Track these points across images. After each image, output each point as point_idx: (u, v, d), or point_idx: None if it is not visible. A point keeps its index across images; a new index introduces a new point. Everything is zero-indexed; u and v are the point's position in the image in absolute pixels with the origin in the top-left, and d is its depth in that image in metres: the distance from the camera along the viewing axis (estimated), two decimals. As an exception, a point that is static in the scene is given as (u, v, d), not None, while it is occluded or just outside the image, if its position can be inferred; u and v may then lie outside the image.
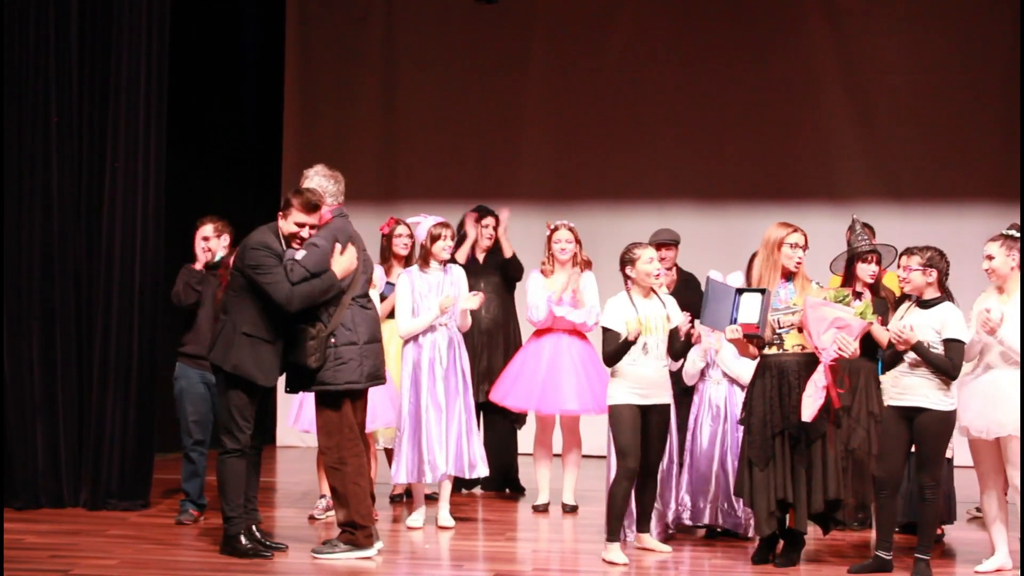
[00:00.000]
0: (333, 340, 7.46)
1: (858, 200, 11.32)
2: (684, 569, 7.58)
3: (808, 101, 12.17)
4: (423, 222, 8.71)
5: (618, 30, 12.47)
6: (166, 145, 9.23)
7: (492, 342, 9.70)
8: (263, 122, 12.80)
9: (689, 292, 9.51)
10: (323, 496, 8.75)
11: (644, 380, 7.63)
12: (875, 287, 8.28)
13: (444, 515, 8.58)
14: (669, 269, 9.71)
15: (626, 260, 7.77)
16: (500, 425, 9.82)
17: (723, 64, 12.26)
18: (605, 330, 7.67)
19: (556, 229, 9.15)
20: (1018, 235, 7.49)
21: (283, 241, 7.53)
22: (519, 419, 9.81)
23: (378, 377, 7.66)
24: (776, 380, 7.43)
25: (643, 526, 7.86)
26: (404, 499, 9.35)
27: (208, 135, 11.91)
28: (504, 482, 9.92)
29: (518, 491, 9.89)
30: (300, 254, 7.42)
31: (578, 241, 9.13)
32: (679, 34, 12.35)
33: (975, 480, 7.65)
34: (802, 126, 12.16)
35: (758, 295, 7.42)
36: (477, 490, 9.88)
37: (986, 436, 7.37)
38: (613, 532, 7.57)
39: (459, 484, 9.38)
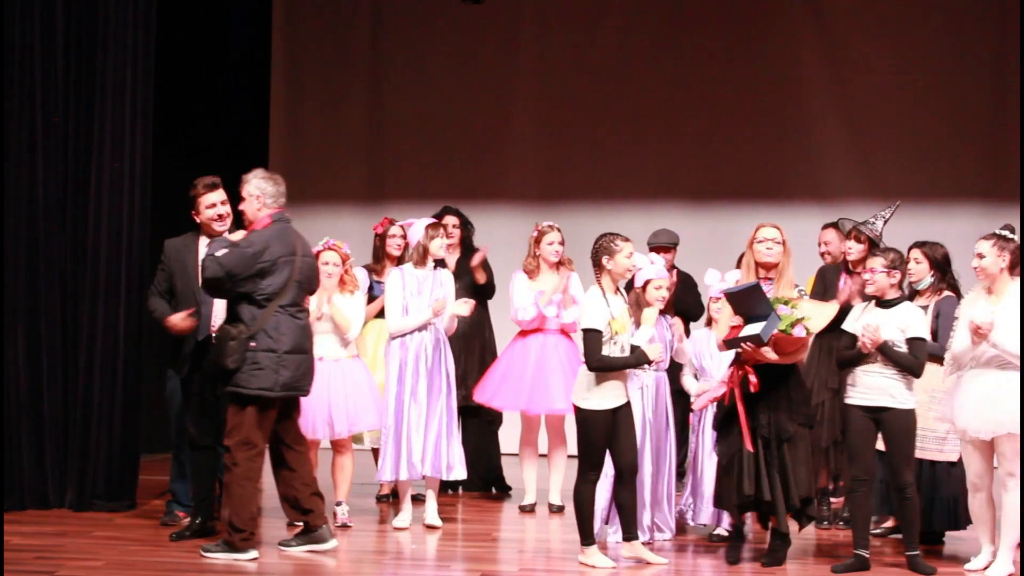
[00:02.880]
0: (253, 344, 7.45)
1: (845, 200, 11.33)
2: (665, 569, 7.53)
3: (795, 101, 12.18)
4: (417, 223, 8.71)
5: (606, 30, 12.47)
6: (152, 144, 9.22)
7: (468, 347, 9.68)
8: (250, 122, 12.78)
9: (687, 293, 9.54)
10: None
11: (619, 379, 7.45)
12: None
13: (432, 515, 8.57)
14: (669, 270, 9.73)
15: (604, 250, 7.47)
16: (477, 426, 9.82)
17: (710, 65, 12.26)
18: (588, 331, 7.39)
19: (546, 231, 9.10)
20: (1010, 236, 7.47)
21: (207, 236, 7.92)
22: (495, 419, 9.81)
23: (296, 388, 7.60)
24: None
25: (631, 532, 7.63)
26: (390, 499, 9.35)
27: (194, 135, 11.88)
28: (490, 482, 9.92)
29: (504, 491, 9.89)
30: (221, 251, 7.44)
31: (562, 242, 9.13)
32: (666, 34, 12.35)
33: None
34: (789, 126, 12.17)
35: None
36: (461, 491, 9.86)
37: (983, 436, 7.35)
38: (588, 535, 7.44)
39: (445, 484, 9.38)
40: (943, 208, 11.73)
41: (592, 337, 7.35)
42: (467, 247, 9.88)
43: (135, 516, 8.81)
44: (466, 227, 9.92)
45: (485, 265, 9.77)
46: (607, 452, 7.46)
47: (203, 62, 12.12)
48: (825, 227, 9.32)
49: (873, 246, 8.44)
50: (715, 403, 7.72)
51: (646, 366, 7.84)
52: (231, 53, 12.71)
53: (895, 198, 11.35)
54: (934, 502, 7.97)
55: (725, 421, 7.50)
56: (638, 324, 8.00)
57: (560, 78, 12.49)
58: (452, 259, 9.77)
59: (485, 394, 9.21)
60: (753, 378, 7.28)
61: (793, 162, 12.13)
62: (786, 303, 7.27)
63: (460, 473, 8.62)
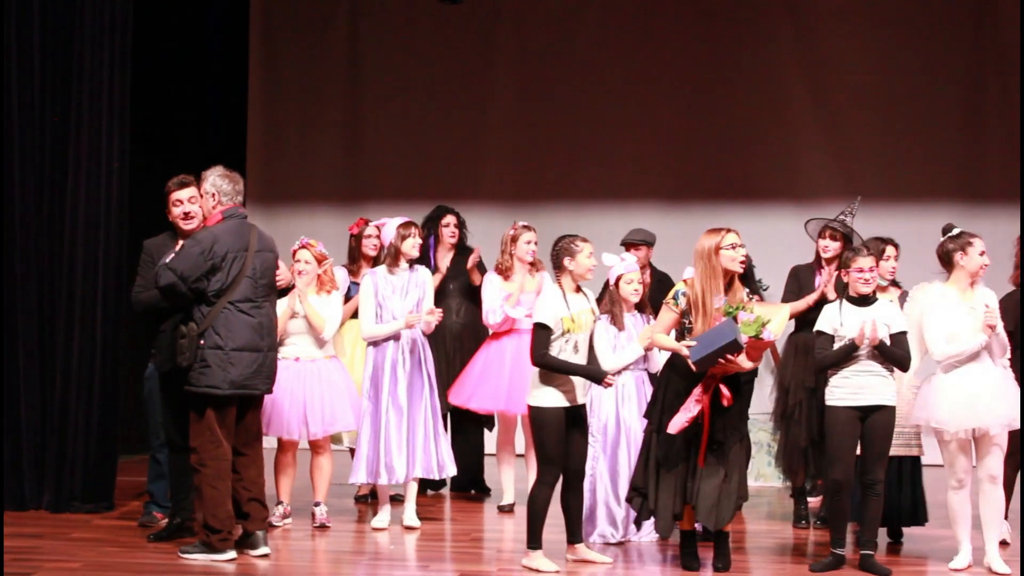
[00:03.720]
0: (202, 342, 7.46)
1: (822, 200, 11.35)
2: (609, 569, 7.53)
3: (771, 102, 12.21)
4: (389, 223, 8.69)
5: (584, 30, 12.48)
6: (129, 145, 9.19)
7: (464, 346, 9.67)
8: (227, 123, 12.74)
9: (663, 293, 9.53)
10: (280, 503, 8.69)
11: (574, 381, 7.38)
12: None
13: (410, 515, 8.57)
14: (643, 268, 9.74)
15: (565, 251, 7.46)
16: (469, 427, 9.82)
17: (687, 65, 12.28)
18: (537, 326, 7.30)
19: (521, 231, 9.10)
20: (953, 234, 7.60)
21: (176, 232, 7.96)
22: (488, 421, 9.81)
23: (248, 386, 7.57)
24: (686, 379, 7.28)
25: (576, 535, 7.60)
26: (369, 500, 9.35)
27: (171, 136, 11.85)
28: (470, 483, 9.92)
29: (484, 492, 9.90)
30: (169, 257, 7.49)
31: (537, 242, 9.13)
32: (643, 34, 12.36)
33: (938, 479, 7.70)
34: (766, 126, 12.20)
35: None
36: (444, 491, 9.86)
37: (972, 433, 7.41)
38: (535, 539, 7.37)
39: (424, 485, 9.38)
40: (917, 207, 11.77)
41: (539, 333, 7.30)
42: (461, 247, 9.90)
43: (113, 517, 8.79)
44: (463, 227, 9.94)
45: (480, 266, 9.79)
46: (563, 455, 7.40)
47: (180, 62, 12.08)
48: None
49: (848, 242, 8.52)
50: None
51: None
52: (208, 53, 12.67)
53: (871, 198, 11.43)
54: (900, 498, 8.00)
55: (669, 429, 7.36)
56: (614, 321, 8.00)
57: (537, 78, 12.50)
58: (447, 258, 9.78)
59: (461, 396, 9.19)
60: (727, 392, 7.20)
61: (769, 162, 12.16)
62: (743, 308, 7.15)
63: (451, 470, 8.63)
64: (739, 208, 11.16)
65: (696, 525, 7.43)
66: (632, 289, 8.09)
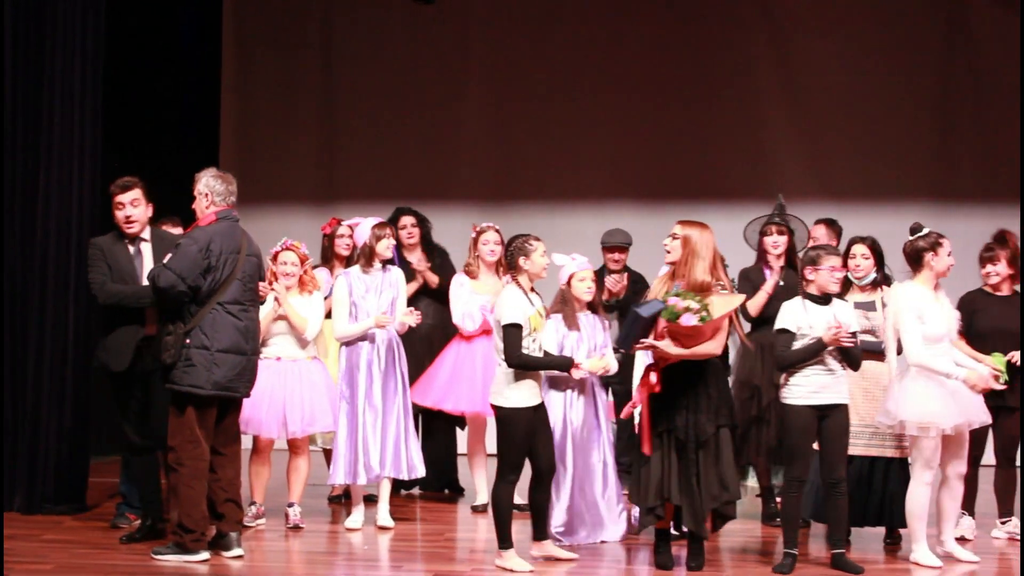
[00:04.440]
0: (188, 341, 7.44)
1: (796, 199, 11.30)
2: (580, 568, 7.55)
3: (746, 102, 12.24)
4: (363, 223, 8.68)
5: (557, 30, 12.49)
6: (101, 147, 9.16)
7: (432, 347, 9.66)
8: (200, 123, 12.71)
9: (638, 294, 9.54)
10: (253, 503, 8.66)
11: (535, 378, 7.42)
12: (789, 261, 8.59)
13: (384, 515, 8.56)
14: (621, 271, 9.75)
15: (520, 251, 7.47)
16: (441, 427, 9.81)
17: (662, 65, 12.31)
18: (509, 326, 7.33)
19: (483, 231, 9.12)
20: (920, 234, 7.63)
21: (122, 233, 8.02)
22: (461, 421, 9.80)
23: (230, 389, 7.56)
24: (667, 380, 7.29)
25: (542, 533, 7.63)
26: (343, 500, 9.33)
27: (144, 136, 11.82)
28: (444, 483, 9.91)
29: (457, 492, 9.88)
30: (167, 257, 7.47)
31: (503, 243, 9.12)
32: (617, 34, 12.38)
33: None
34: (740, 127, 12.23)
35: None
36: (416, 491, 9.85)
37: (956, 430, 7.49)
38: (506, 539, 7.37)
39: (398, 485, 9.36)
40: (892, 207, 11.81)
41: (512, 332, 7.31)
42: (427, 244, 9.88)
43: (85, 519, 8.75)
44: (423, 224, 9.91)
45: (445, 266, 9.78)
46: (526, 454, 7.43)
47: (153, 63, 12.04)
48: (817, 223, 9.36)
49: (792, 235, 8.66)
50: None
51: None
52: (181, 53, 12.62)
53: (845, 197, 11.52)
54: (884, 497, 8.01)
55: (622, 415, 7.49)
56: (567, 321, 8.00)
57: (511, 78, 12.50)
58: (413, 257, 9.76)
59: (431, 397, 9.16)
60: (653, 378, 7.20)
61: (744, 163, 12.19)
62: (680, 296, 7.14)
63: (420, 471, 8.63)
64: (713, 208, 11.16)
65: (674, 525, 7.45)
66: (585, 288, 8.09)
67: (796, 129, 12.24)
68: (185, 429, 7.49)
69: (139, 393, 8.01)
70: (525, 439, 7.35)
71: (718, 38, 12.29)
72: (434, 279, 9.67)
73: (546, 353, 7.58)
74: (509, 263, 7.57)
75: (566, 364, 7.49)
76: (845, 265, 7.73)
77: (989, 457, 8.41)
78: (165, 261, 7.46)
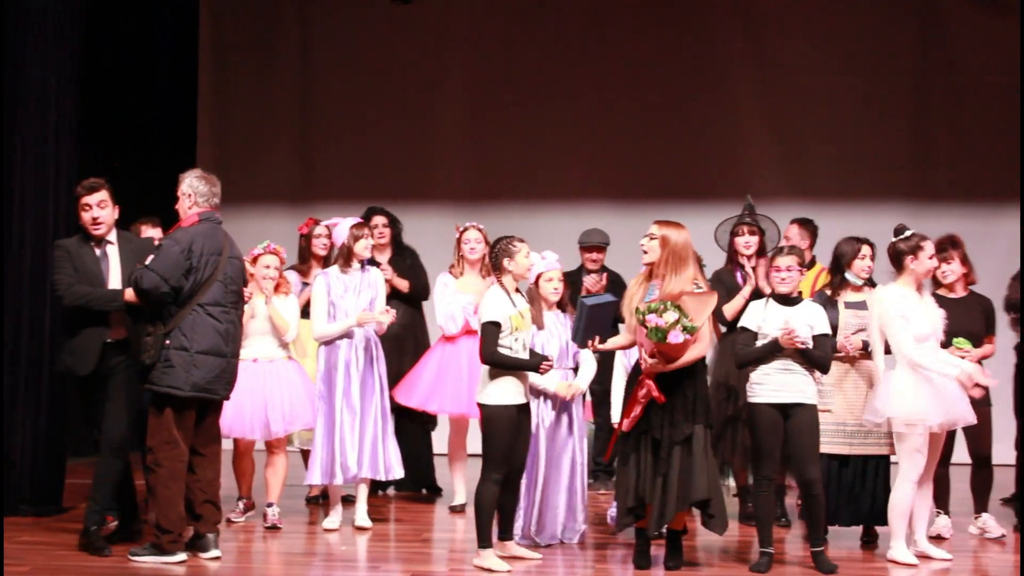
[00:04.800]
0: (168, 342, 7.43)
1: (771, 199, 11.39)
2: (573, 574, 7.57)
3: (722, 102, 12.28)
4: (341, 223, 8.68)
5: (534, 31, 12.51)
6: (77, 146, 9.14)
7: (401, 348, 9.67)
8: (177, 124, 12.70)
9: (616, 293, 9.55)
10: (241, 499, 8.68)
11: (519, 377, 7.46)
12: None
13: (362, 516, 8.57)
14: (599, 271, 9.76)
15: (504, 252, 7.53)
16: (412, 428, 9.81)
17: (639, 66, 12.34)
18: (486, 323, 7.39)
19: (465, 230, 9.14)
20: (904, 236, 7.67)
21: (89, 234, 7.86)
22: (431, 421, 9.81)
23: (209, 390, 7.55)
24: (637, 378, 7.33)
25: (507, 533, 7.67)
26: (320, 501, 9.33)
27: (121, 140, 11.80)
28: (421, 483, 9.91)
29: (435, 492, 9.89)
30: (149, 258, 7.43)
31: (487, 242, 9.12)
32: (595, 36, 12.41)
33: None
34: (716, 127, 12.27)
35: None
36: (391, 491, 9.84)
37: (943, 428, 7.56)
38: (485, 538, 7.40)
39: (375, 486, 9.37)
40: (867, 207, 11.86)
41: (488, 330, 7.37)
42: (398, 245, 9.88)
43: (62, 520, 8.71)
44: (395, 225, 9.91)
45: (415, 268, 9.78)
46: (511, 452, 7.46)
47: (129, 64, 12.04)
48: (792, 222, 9.39)
49: (763, 235, 8.67)
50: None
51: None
52: (158, 53, 12.62)
53: (820, 197, 11.56)
54: (874, 496, 8.04)
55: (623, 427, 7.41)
56: (534, 320, 8.02)
57: (488, 78, 12.51)
58: (384, 258, 9.76)
59: (416, 397, 9.17)
60: (656, 393, 7.20)
61: (720, 162, 12.23)
62: (656, 311, 7.10)
63: (398, 472, 8.63)
64: (689, 208, 11.20)
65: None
66: (552, 288, 8.09)
67: (772, 130, 12.28)
68: (163, 430, 7.48)
69: (102, 395, 7.91)
70: (509, 437, 7.38)
71: (694, 39, 12.33)
72: (403, 284, 9.67)
73: (532, 353, 7.57)
74: (493, 264, 7.62)
75: (534, 364, 7.43)
76: (803, 266, 7.66)
77: (961, 456, 8.46)
78: (148, 262, 7.42)
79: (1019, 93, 11.09)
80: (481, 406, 7.45)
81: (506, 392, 7.38)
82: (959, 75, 12.10)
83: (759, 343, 7.47)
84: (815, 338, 7.39)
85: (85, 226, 7.93)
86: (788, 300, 7.48)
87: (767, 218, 8.87)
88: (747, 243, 8.72)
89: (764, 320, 7.44)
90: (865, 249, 8.18)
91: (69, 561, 7.52)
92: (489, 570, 7.34)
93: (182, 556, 7.51)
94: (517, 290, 7.59)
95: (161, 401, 7.48)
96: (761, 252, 8.71)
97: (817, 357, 7.41)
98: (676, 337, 7.08)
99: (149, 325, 7.46)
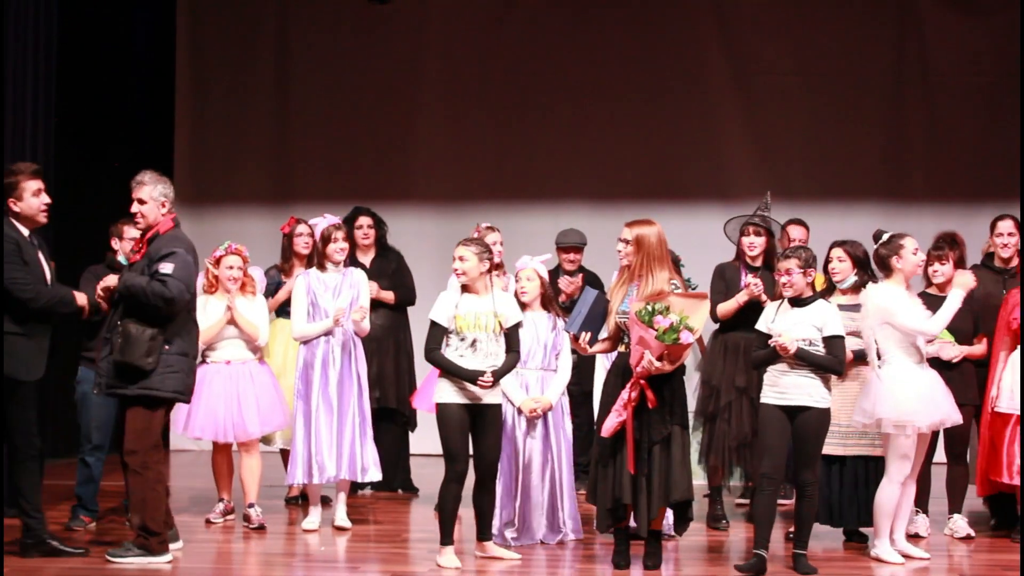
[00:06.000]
0: (168, 347, 7.39)
1: (748, 199, 11.44)
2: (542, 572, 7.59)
3: (699, 102, 12.31)
4: (321, 223, 8.69)
5: (510, 31, 12.52)
6: (55, 145, 9.11)
7: (382, 348, 9.68)
8: (154, 122, 12.66)
9: (594, 294, 9.57)
10: (221, 500, 8.68)
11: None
12: (768, 263, 8.47)
13: (341, 516, 8.57)
14: (575, 271, 9.77)
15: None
16: (392, 428, 9.82)
17: (615, 66, 12.36)
18: (431, 322, 7.45)
19: (486, 232, 9.00)
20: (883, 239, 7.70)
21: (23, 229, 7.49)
22: (410, 422, 9.82)
23: (191, 393, 7.63)
24: (621, 380, 7.30)
25: (484, 533, 7.65)
26: (299, 502, 9.32)
27: (98, 139, 11.76)
28: (396, 483, 9.91)
29: (411, 492, 9.89)
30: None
31: (500, 242, 9.13)
32: (571, 35, 12.42)
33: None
34: (693, 126, 12.30)
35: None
36: (368, 491, 9.82)
37: (931, 428, 7.62)
38: (447, 536, 7.43)
39: (355, 486, 9.35)
40: (843, 207, 11.91)
41: (431, 330, 7.46)
42: (382, 246, 9.88)
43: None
44: (380, 226, 9.91)
45: (401, 270, 9.78)
46: (467, 450, 7.49)
47: (106, 63, 11.99)
48: (789, 223, 9.40)
49: (771, 236, 8.59)
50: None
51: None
52: (134, 53, 12.57)
53: (797, 197, 11.59)
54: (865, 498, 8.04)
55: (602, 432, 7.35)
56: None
57: (466, 78, 12.52)
58: (368, 259, 9.76)
59: (427, 402, 9.07)
60: (650, 394, 7.18)
61: (696, 162, 12.26)
62: (662, 312, 7.06)
63: (374, 475, 8.61)
64: (666, 208, 11.22)
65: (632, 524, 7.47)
66: (518, 287, 8.13)
67: (748, 130, 12.32)
68: (152, 434, 7.45)
69: (33, 400, 7.68)
70: (459, 435, 7.42)
71: (671, 40, 12.36)
72: (389, 296, 9.68)
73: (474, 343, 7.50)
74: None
75: (471, 376, 7.38)
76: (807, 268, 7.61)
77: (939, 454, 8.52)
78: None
79: (1020, 94, 11.13)
80: (436, 405, 7.52)
81: (451, 391, 7.42)
82: (934, 75, 12.16)
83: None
84: (825, 340, 7.30)
85: (34, 213, 7.54)
86: (800, 301, 7.40)
87: (775, 220, 8.74)
88: (751, 244, 8.61)
89: (774, 322, 7.41)
90: (833, 252, 8.18)
91: (47, 562, 7.47)
92: (441, 567, 7.39)
93: (169, 556, 7.50)
94: (482, 290, 7.53)
95: (154, 405, 7.42)
96: (769, 254, 8.56)
97: (822, 362, 7.29)
98: (687, 337, 7.07)
99: (147, 327, 7.35)
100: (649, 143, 12.30)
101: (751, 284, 8.40)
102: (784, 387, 7.34)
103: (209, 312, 8.48)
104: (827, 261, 8.14)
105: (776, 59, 12.25)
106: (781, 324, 7.37)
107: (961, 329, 8.19)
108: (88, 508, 8.53)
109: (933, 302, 7.97)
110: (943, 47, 12.15)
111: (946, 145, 12.11)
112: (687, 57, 12.35)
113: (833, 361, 7.33)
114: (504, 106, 12.45)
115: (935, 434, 8.02)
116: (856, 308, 7.95)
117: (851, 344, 7.73)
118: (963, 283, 7.75)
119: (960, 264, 8.50)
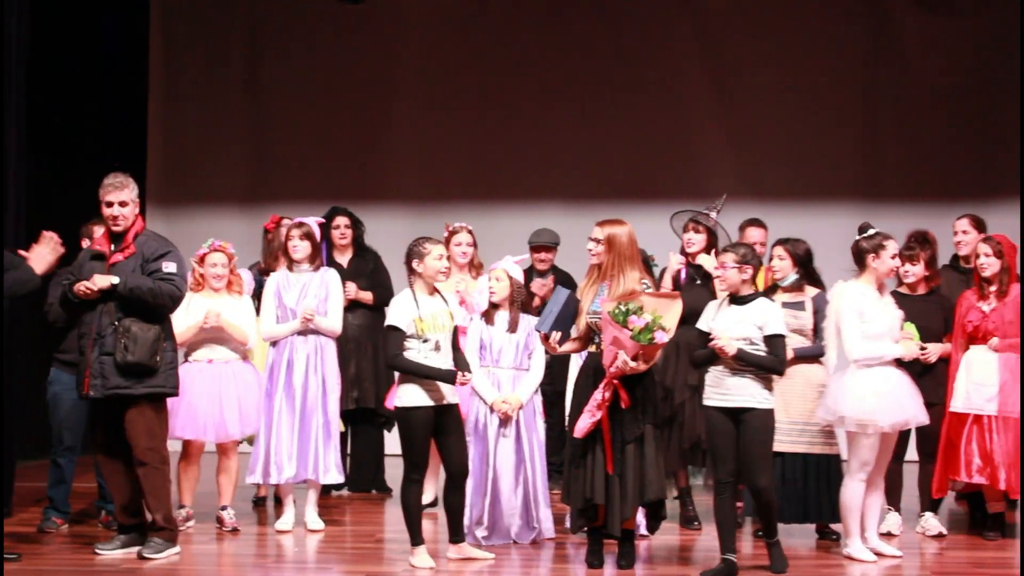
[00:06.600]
0: (166, 345, 7.50)
1: (727, 198, 11.46)
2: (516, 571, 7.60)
3: (674, 102, 12.32)
4: (308, 221, 8.69)
5: (485, 30, 12.51)
6: (26, 147, 9.07)
7: (360, 348, 9.67)
8: (128, 124, 12.62)
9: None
10: (183, 506, 8.59)
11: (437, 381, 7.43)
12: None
13: (312, 518, 8.54)
14: (547, 271, 9.77)
15: (415, 254, 7.45)
16: (368, 429, 9.81)
17: (590, 66, 12.36)
18: (388, 328, 7.35)
19: (455, 231, 9.08)
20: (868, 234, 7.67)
21: None
22: (388, 423, 9.80)
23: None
24: (593, 380, 7.28)
25: (458, 535, 7.62)
26: (264, 502, 9.30)
27: (71, 139, 11.72)
28: (370, 483, 9.89)
29: (384, 492, 9.88)
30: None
31: (474, 244, 9.12)
32: (546, 34, 12.42)
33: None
34: (668, 126, 12.31)
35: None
36: (345, 492, 9.81)
37: (894, 428, 7.59)
38: (415, 536, 7.42)
39: (326, 487, 9.32)
40: (818, 206, 11.94)
41: (391, 335, 7.35)
42: (359, 247, 9.87)
43: (11, 524, 8.62)
44: (357, 226, 9.91)
45: (379, 270, 9.78)
46: (428, 452, 7.50)
47: (79, 62, 11.95)
48: (747, 224, 9.35)
49: (712, 236, 8.56)
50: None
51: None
52: (107, 54, 12.53)
53: (772, 197, 11.61)
54: (820, 495, 8.06)
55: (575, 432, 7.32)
56: (485, 318, 8.01)
57: (440, 78, 12.51)
58: (345, 259, 9.75)
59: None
60: (624, 394, 7.16)
61: (672, 162, 12.27)
62: (636, 312, 7.03)
63: (336, 477, 8.58)
64: (641, 207, 11.20)
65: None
66: (489, 288, 8.15)
67: (723, 129, 12.33)
68: (164, 429, 7.67)
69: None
70: (423, 438, 7.40)
71: (646, 40, 12.36)
72: (367, 297, 9.67)
73: (458, 357, 7.52)
74: (406, 266, 7.53)
75: (447, 377, 7.37)
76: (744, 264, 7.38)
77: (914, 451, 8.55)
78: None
79: (1020, 94, 11.16)
80: (396, 408, 7.46)
81: (416, 395, 7.36)
82: (908, 75, 12.19)
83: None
84: (766, 339, 7.16)
85: None
86: (740, 299, 7.27)
87: (723, 228, 8.68)
88: (689, 240, 8.58)
89: (714, 320, 7.28)
90: (774, 250, 8.16)
91: (19, 564, 7.44)
92: (415, 567, 7.38)
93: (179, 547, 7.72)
94: (434, 291, 7.53)
95: (161, 402, 7.58)
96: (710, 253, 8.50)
97: (762, 362, 7.15)
98: (662, 337, 7.04)
99: (152, 325, 7.46)
100: (623, 143, 12.30)
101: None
102: (727, 388, 7.20)
103: (192, 310, 8.40)
104: (769, 259, 8.14)
105: (750, 58, 12.26)
106: (721, 323, 7.23)
107: (930, 328, 8.19)
108: (60, 510, 8.49)
109: (903, 301, 7.99)
110: (917, 47, 12.18)
111: (920, 145, 12.14)
112: (661, 57, 12.36)
113: (774, 361, 7.16)
114: (478, 106, 12.44)
115: (906, 432, 8.03)
116: (798, 306, 7.95)
117: (793, 342, 7.71)
118: (908, 349, 7.68)
119: (931, 264, 8.46)
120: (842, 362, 7.68)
